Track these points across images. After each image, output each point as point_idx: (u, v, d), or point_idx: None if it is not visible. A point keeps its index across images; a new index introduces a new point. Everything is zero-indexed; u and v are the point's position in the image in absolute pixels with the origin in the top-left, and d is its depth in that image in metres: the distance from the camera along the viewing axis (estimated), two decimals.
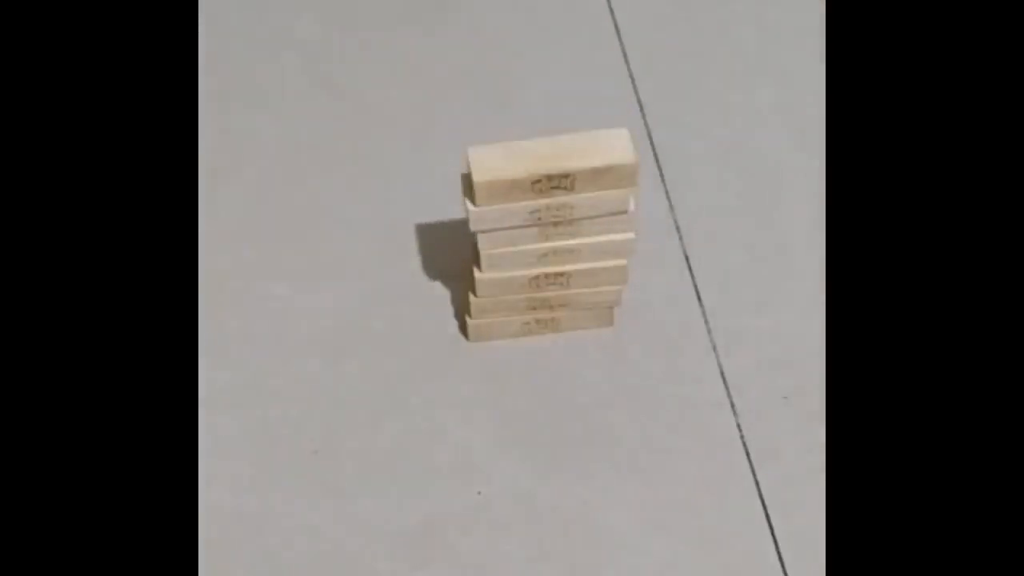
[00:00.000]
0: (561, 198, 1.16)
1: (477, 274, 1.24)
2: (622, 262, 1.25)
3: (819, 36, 1.68)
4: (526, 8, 1.78)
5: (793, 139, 1.56)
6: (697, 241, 1.44)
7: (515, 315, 1.31)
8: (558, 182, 1.14)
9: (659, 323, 1.35)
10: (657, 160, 1.54)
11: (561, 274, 1.25)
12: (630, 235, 1.22)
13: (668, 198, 1.49)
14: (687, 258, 1.42)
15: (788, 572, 1.13)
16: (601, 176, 1.14)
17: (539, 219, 1.18)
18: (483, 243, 1.21)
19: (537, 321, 1.32)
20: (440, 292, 1.40)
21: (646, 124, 1.58)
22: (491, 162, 1.15)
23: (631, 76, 1.66)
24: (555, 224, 1.19)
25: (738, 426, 1.25)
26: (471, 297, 1.28)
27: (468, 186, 1.16)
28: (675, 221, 1.46)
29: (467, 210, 1.17)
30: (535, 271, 1.25)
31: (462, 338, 1.35)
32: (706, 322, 1.35)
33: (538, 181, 1.14)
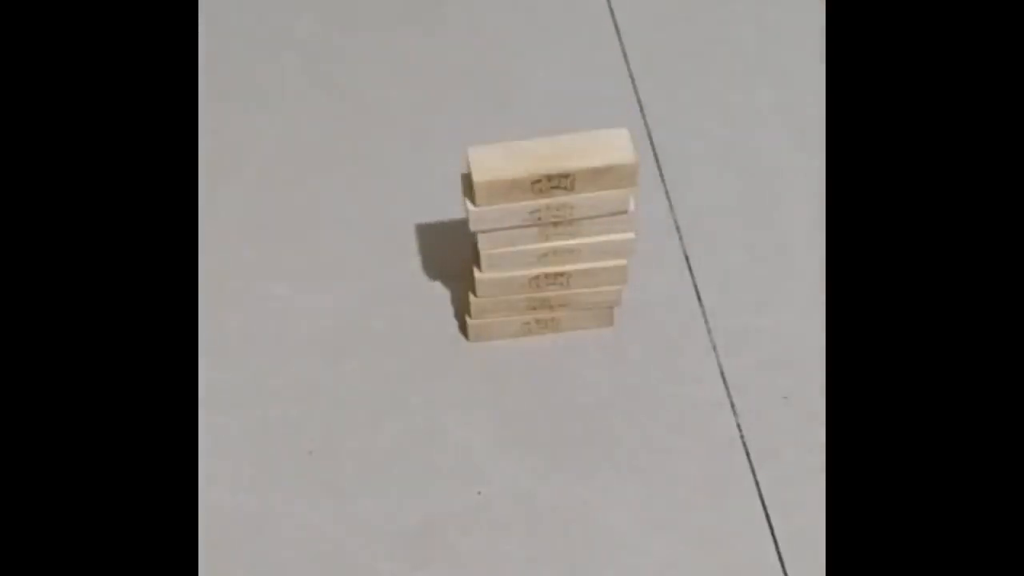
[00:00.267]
0: (561, 198, 1.16)
1: (477, 274, 1.24)
2: (622, 262, 1.25)
3: (819, 36, 1.68)
4: (526, 8, 1.78)
5: (793, 139, 1.56)
6: (697, 241, 1.44)
7: (515, 315, 1.31)
8: (558, 182, 1.14)
9: (659, 323, 1.35)
10: (657, 160, 1.54)
11: (561, 274, 1.25)
12: (630, 235, 1.22)
13: (668, 198, 1.49)
14: (687, 258, 1.42)
15: (788, 572, 1.13)
16: (601, 176, 1.14)
17: (539, 219, 1.18)
18: (483, 243, 1.21)
19: (537, 321, 1.32)
20: (440, 292, 1.40)
21: (646, 124, 1.58)
22: (491, 162, 1.15)
23: (631, 76, 1.66)
24: (555, 224, 1.19)
25: (738, 426, 1.25)
26: (471, 297, 1.28)
27: (468, 186, 1.16)
28: (675, 221, 1.46)
29: (467, 210, 1.17)
30: (535, 271, 1.25)
31: (462, 338, 1.35)
32: (706, 322, 1.35)
33: (538, 181, 1.14)
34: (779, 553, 1.15)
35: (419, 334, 1.35)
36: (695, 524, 1.17)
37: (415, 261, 1.43)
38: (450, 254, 1.39)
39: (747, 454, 1.22)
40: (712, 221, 1.46)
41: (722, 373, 1.30)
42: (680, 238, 1.44)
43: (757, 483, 1.20)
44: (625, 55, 1.69)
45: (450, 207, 1.39)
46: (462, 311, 1.34)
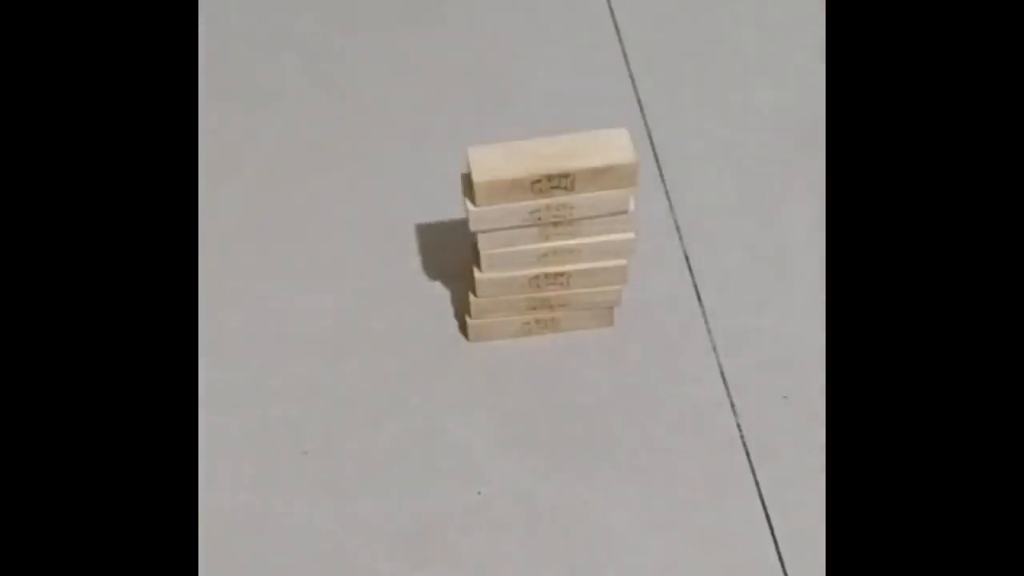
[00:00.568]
0: (561, 198, 1.16)
1: (477, 274, 1.24)
2: (622, 262, 1.25)
3: (819, 36, 1.68)
4: (526, 8, 1.78)
5: (793, 139, 1.56)
6: (697, 241, 1.44)
7: (515, 315, 1.31)
8: (558, 182, 1.14)
9: (659, 323, 1.35)
10: (657, 160, 1.54)
11: (561, 274, 1.25)
12: (630, 235, 1.22)
13: (668, 198, 1.49)
14: (687, 258, 1.42)
15: (788, 572, 1.13)
16: (601, 176, 1.14)
17: (539, 219, 1.18)
18: (483, 243, 1.21)
19: (537, 321, 1.32)
20: (440, 292, 1.40)
21: (646, 124, 1.58)
22: (491, 162, 1.15)
23: (631, 76, 1.66)
24: (555, 224, 1.19)
25: (738, 426, 1.25)
26: (471, 297, 1.28)
27: (468, 186, 1.16)
28: (675, 221, 1.46)
29: (467, 210, 1.17)
30: (535, 271, 1.25)
31: (462, 338, 1.35)
32: (706, 322, 1.35)
33: (538, 181, 1.14)
34: (779, 553, 1.15)
35: (419, 334, 1.35)
36: (695, 524, 1.17)
37: (415, 261, 1.43)
38: (450, 254, 1.39)
39: (747, 454, 1.22)
40: (712, 221, 1.46)
41: (722, 373, 1.30)
42: (680, 238, 1.44)
43: (757, 483, 1.20)
44: (625, 55, 1.69)
45: (450, 207, 1.39)
46: (462, 311, 1.34)
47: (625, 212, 1.19)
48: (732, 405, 1.27)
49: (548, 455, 1.24)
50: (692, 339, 1.33)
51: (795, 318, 1.34)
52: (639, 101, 1.62)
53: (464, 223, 1.19)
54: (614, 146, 1.15)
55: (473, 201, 1.16)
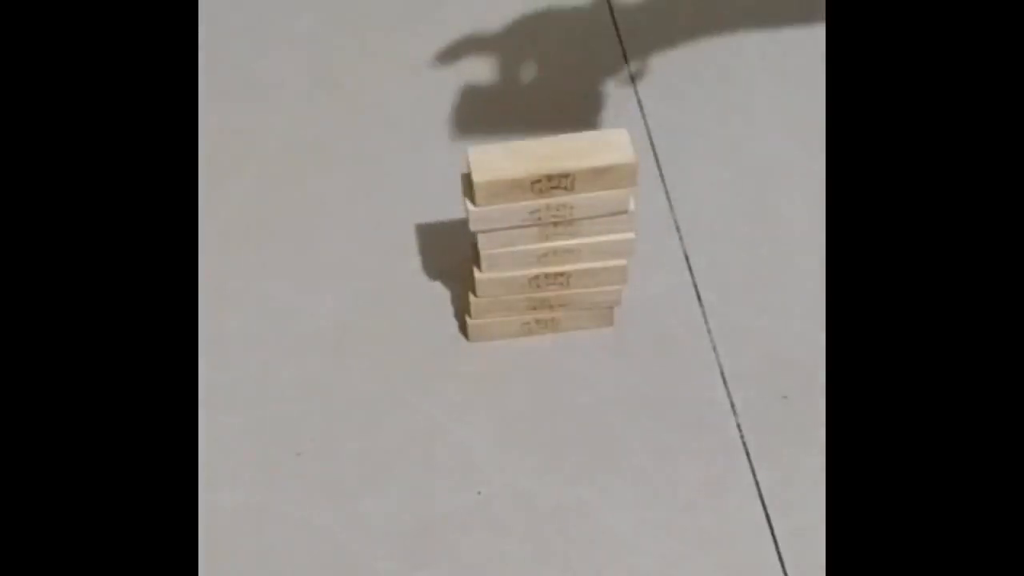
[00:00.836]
0: (561, 198, 1.16)
1: (477, 274, 1.24)
2: (622, 262, 1.25)
3: (820, 36, 1.68)
4: (526, 8, 1.78)
5: (793, 139, 1.56)
6: (697, 241, 1.44)
7: (515, 315, 1.31)
8: (558, 182, 1.14)
9: (659, 323, 1.35)
10: (657, 160, 1.54)
11: (561, 274, 1.25)
12: (630, 235, 1.22)
13: (668, 198, 1.49)
14: (687, 258, 1.42)
15: (788, 572, 1.13)
16: (601, 176, 1.15)
17: (539, 219, 1.18)
18: (483, 243, 1.21)
19: (537, 321, 1.32)
20: (440, 292, 1.40)
21: (646, 124, 1.58)
22: (491, 162, 1.15)
23: (631, 76, 1.66)
24: (555, 224, 1.19)
25: (738, 426, 1.25)
26: (471, 297, 1.28)
27: (468, 186, 1.16)
28: (675, 221, 1.46)
29: (467, 210, 1.17)
30: (535, 271, 1.25)
31: (462, 338, 1.35)
32: (706, 322, 1.35)
33: (538, 181, 1.14)
34: (779, 553, 1.15)
35: (419, 334, 1.35)
36: (695, 524, 1.17)
37: (415, 261, 1.43)
38: (450, 254, 1.39)
39: (747, 454, 1.22)
40: (712, 221, 1.46)
41: (722, 373, 1.30)
42: (680, 238, 1.44)
43: (757, 483, 1.20)
44: (625, 55, 1.69)
45: (450, 207, 1.39)
46: (462, 311, 1.34)
47: (625, 212, 1.19)
48: (732, 405, 1.27)
49: (548, 455, 1.24)
50: (692, 339, 1.33)
51: (795, 318, 1.34)
52: (639, 101, 1.62)
53: (464, 223, 1.19)
54: (614, 146, 1.15)
55: (473, 201, 1.16)
